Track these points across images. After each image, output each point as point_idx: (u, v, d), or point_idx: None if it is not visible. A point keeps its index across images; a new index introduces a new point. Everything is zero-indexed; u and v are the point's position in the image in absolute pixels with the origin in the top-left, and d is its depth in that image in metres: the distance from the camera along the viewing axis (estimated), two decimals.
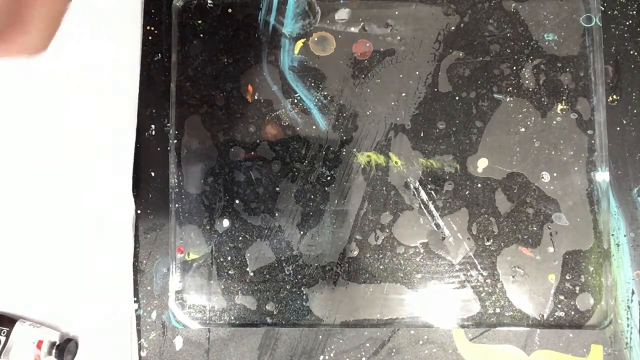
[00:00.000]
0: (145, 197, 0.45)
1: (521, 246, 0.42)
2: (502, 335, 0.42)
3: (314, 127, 0.44)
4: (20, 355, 0.41)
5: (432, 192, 0.43)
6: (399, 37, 0.44)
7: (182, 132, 0.44)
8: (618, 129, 0.43)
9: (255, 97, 0.44)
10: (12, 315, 0.43)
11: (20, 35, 0.24)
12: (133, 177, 0.44)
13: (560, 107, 0.43)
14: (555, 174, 0.42)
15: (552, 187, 0.42)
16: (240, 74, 0.44)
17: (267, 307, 0.43)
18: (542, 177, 0.42)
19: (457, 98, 0.43)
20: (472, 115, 0.43)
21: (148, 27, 0.45)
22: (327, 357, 0.43)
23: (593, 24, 0.43)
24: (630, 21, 0.44)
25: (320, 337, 0.43)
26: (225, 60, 0.44)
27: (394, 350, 0.43)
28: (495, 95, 0.43)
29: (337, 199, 0.43)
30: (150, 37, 0.45)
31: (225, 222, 0.43)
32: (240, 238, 0.43)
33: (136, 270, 0.44)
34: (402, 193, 0.43)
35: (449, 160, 0.43)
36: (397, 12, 0.44)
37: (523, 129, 0.43)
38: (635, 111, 0.43)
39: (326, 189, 0.43)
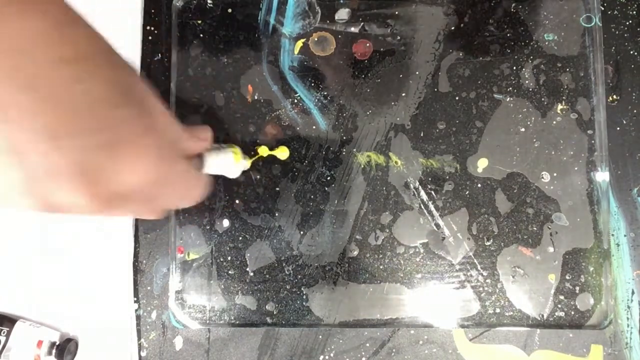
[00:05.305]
0: None
1: (521, 246, 0.42)
2: (502, 335, 0.42)
3: (314, 127, 0.44)
4: (20, 355, 0.41)
5: (432, 192, 0.43)
6: (399, 37, 0.44)
7: None
8: (618, 129, 0.43)
9: (255, 97, 0.44)
10: (12, 315, 0.43)
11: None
12: None
13: (560, 107, 0.43)
14: (555, 174, 0.42)
15: (552, 187, 0.42)
16: (240, 74, 0.44)
17: (267, 307, 0.43)
18: (542, 177, 0.42)
19: (457, 98, 0.43)
20: (472, 115, 0.43)
21: (148, 27, 0.45)
22: (327, 357, 0.43)
23: (593, 24, 0.43)
24: (630, 21, 0.44)
25: (320, 337, 0.43)
26: (225, 60, 0.44)
27: (394, 350, 0.43)
28: (495, 95, 0.43)
29: (337, 199, 0.43)
30: (150, 37, 0.45)
31: (225, 222, 0.43)
32: (240, 238, 0.43)
33: (136, 270, 0.44)
34: (402, 193, 0.43)
35: (449, 160, 0.43)
36: (397, 12, 0.44)
37: (523, 129, 0.43)
38: (635, 111, 0.43)
39: (326, 189, 0.43)
